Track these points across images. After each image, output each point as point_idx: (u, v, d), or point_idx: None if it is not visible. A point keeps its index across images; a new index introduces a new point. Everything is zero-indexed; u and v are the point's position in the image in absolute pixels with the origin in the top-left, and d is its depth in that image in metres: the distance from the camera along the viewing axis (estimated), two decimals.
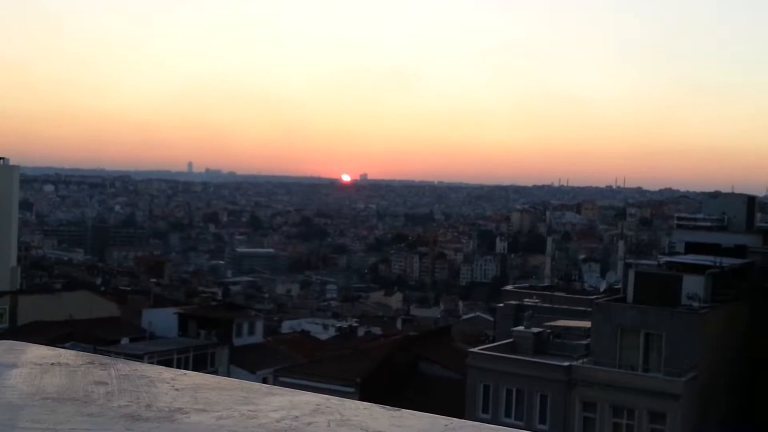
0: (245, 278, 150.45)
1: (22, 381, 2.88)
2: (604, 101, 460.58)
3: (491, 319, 69.99)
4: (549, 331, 42.91)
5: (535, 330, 42.11)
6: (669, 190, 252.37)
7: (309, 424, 2.50)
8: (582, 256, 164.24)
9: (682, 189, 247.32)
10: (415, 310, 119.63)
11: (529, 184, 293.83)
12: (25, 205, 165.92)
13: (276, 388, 2.98)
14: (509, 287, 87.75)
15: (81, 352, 3.33)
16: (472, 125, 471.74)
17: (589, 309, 42.91)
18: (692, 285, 40.06)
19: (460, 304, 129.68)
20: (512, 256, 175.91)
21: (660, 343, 38.49)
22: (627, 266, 47.93)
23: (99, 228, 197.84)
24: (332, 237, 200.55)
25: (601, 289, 79.14)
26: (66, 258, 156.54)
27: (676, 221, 58.79)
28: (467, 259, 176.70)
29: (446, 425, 2.56)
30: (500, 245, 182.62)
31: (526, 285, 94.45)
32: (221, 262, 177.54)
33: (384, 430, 2.47)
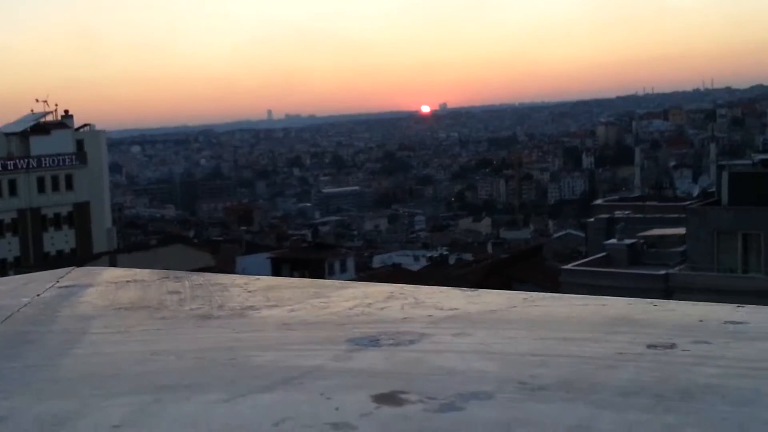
0: (333, 218, 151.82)
1: (96, 297, 2.89)
2: (683, 1, 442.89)
3: (582, 235, 69.23)
4: (642, 241, 42.16)
5: (628, 241, 41.37)
6: (760, 86, 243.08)
7: (382, 309, 2.44)
8: (672, 163, 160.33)
9: None
10: (504, 233, 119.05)
11: (613, 95, 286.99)
12: (114, 168, 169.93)
13: (350, 283, 2.92)
14: (599, 201, 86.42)
15: (157, 270, 3.32)
16: (549, 41, 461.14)
17: (683, 216, 41.94)
18: None
19: (550, 223, 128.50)
20: (600, 170, 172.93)
21: (759, 243, 37.47)
22: (720, 168, 46.59)
23: (187, 183, 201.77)
24: (416, 169, 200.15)
25: (695, 195, 77.32)
26: (158, 215, 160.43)
27: None
28: (554, 177, 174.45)
29: (525, 299, 2.47)
30: (587, 161, 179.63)
31: (616, 198, 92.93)
32: (308, 204, 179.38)
33: (460, 307, 2.39)
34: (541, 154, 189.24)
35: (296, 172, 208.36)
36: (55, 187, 74.01)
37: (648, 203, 63.93)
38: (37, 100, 72.95)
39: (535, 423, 1.47)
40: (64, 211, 74.38)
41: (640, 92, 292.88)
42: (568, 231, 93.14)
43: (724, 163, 52.98)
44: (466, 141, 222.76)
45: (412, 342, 2.03)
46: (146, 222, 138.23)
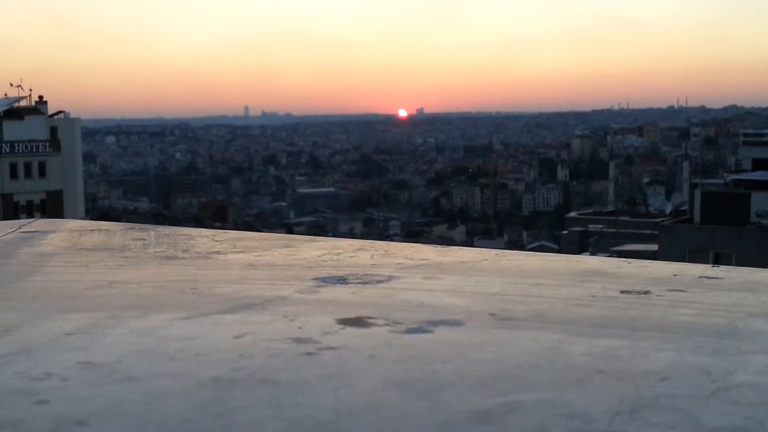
0: (308, 218, 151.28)
1: (59, 240, 2.80)
2: (662, 19, 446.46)
3: (556, 247, 69.43)
4: (615, 256, 42.38)
5: (601, 256, 41.58)
6: (734, 106, 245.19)
7: (351, 257, 2.38)
8: (646, 180, 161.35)
9: (747, 105, 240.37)
10: (479, 242, 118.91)
11: (588, 109, 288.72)
12: (88, 157, 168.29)
13: (319, 237, 2.86)
14: (573, 214, 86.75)
15: (123, 223, 3.24)
16: (528, 52, 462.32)
17: (656, 232, 42.26)
18: (761, 202, 39.14)
19: (524, 233, 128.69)
20: (574, 183, 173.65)
21: (730, 262, 37.73)
22: (693, 187, 47.03)
23: (162, 176, 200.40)
24: (392, 173, 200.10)
25: (667, 212, 77.94)
26: (132, 207, 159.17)
27: (741, 138, 57.35)
28: (529, 188, 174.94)
29: (497, 254, 2.42)
30: (561, 173, 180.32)
31: (590, 211, 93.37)
32: (283, 203, 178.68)
33: (431, 258, 2.33)
34: (516, 164, 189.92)
35: (272, 170, 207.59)
36: (28, 173, 73.20)
37: (621, 218, 64.40)
38: (11, 84, 71.92)
39: (507, 345, 1.41)
40: (36, 198, 73.61)
41: (616, 107, 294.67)
42: (541, 242, 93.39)
43: (696, 181, 53.48)
44: (443, 147, 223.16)
45: (380, 282, 1.98)
46: (120, 214, 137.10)
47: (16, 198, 71.97)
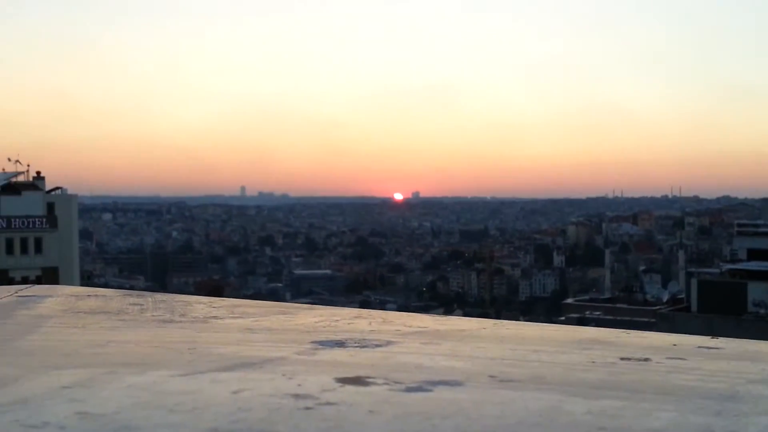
0: (304, 300, 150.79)
1: (55, 303, 2.80)
2: (656, 110, 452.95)
3: None
4: None
5: None
6: (727, 197, 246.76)
7: (349, 324, 2.38)
8: (642, 267, 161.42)
9: (741, 196, 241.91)
10: None
11: (583, 196, 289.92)
12: (85, 234, 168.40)
13: (318, 307, 2.86)
14: (570, 300, 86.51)
15: (120, 290, 3.24)
16: (523, 139, 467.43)
17: (653, 320, 42.16)
18: (758, 292, 39.16)
19: (521, 319, 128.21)
20: (570, 269, 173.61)
21: None
22: (689, 275, 47.15)
23: (158, 254, 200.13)
24: (388, 256, 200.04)
25: (664, 300, 77.79)
26: (128, 285, 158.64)
27: (736, 228, 57.70)
28: (525, 274, 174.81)
29: (495, 323, 2.42)
30: (557, 259, 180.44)
31: (587, 298, 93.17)
32: (279, 284, 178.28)
33: (428, 326, 2.33)
34: (512, 250, 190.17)
35: (268, 251, 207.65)
36: (24, 249, 73.07)
37: (618, 305, 64.27)
38: (9, 159, 72.39)
39: (507, 404, 1.41)
40: (32, 275, 73.30)
41: (610, 195, 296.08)
42: None
43: (692, 270, 53.60)
44: (439, 231, 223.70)
45: (378, 346, 1.98)
46: None
47: (11, 273, 71.74)
